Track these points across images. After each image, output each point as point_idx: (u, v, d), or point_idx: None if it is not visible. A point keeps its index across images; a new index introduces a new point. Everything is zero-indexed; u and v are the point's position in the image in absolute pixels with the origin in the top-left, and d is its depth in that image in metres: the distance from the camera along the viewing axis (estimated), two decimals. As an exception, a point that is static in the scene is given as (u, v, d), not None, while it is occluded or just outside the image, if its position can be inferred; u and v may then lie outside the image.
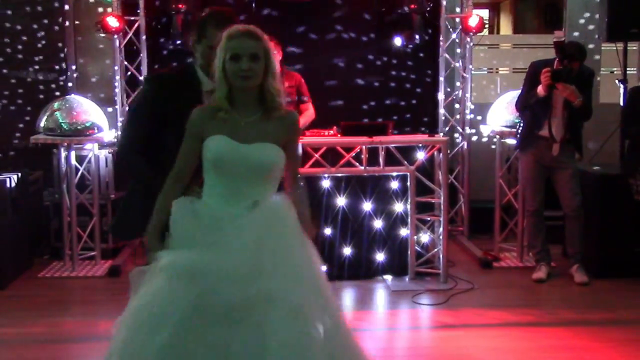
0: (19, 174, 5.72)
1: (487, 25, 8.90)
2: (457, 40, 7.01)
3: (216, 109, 2.67)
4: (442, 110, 6.92)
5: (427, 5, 6.75)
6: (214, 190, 2.66)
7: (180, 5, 6.37)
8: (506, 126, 6.11)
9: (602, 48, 7.19)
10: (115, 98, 6.56)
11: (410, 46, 6.99)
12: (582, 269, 5.46)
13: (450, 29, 6.94)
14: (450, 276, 5.50)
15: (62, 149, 5.78)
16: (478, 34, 6.82)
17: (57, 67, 6.85)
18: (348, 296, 5.29)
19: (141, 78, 6.57)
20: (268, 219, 2.59)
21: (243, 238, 2.52)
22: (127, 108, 6.54)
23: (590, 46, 7.01)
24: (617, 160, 6.03)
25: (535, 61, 5.53)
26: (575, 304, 5.06)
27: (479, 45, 7.23)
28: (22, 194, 5.74)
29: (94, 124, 5.87)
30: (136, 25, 6.51)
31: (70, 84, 6.77)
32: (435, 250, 5.57)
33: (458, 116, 7.01)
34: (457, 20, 6.85)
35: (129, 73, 6.64)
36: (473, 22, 6.59)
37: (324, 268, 2.77)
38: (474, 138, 7.11)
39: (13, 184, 5.59)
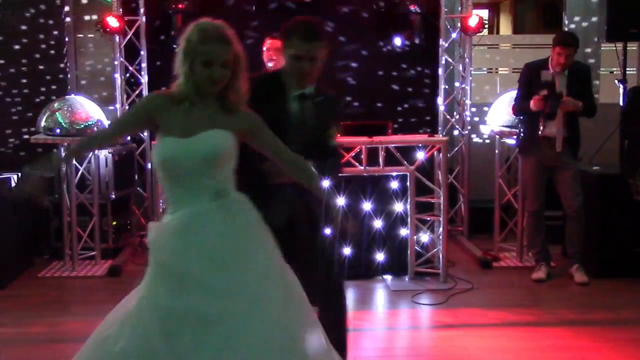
0: (19, 174, 5.73)
1: (486, 26, 8.91)
2: (457, 41, 7.01)
3: (176, 99, 2.63)
4: (442, 110, 6.92)
5: (427, 5, 6.75)
6: (174, 197, 2.62)
7: (180, 5, 6.37)
8: (506, 126, 6.11)
9: (602, 48, 7.19)
10: (116, 98, 6.57)
11: (410, 46, 6.99)
12: (582, 269, 5.46)
13: (450, 29, 6.94)
14: (450, 276, 5.51)
15: (62, 149, 5.78)
16: (478, 34, 6.83)
17: (57, 66, 6.85)
18: (348, 296, 5.25)
19: (141, 78, 6.58)
20: (228, 219, 2.57)
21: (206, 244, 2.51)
22: (126, 108, 6.55)
23: (589, 48, 7.02)
24: (617, 160, 6.02)
25: (529, 62, 5.52)
26: (575, 304, 5.06)
27: (478, 45, 7.23)
28: (22, 193, 5.75)
29: (94, 123, 5.87)
30: (136, 25, 6.52)
31: (70, 84, 6.77)
32: (435, 250, 5.57)
33: (458, 116, 7.02)
34: (457, 20, 6.86)
35: (129, 73, 6.65)
36: (473, 22, 6.60)
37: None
38: (474, 138, 7.12)
39: (13, 184, 5.59)
